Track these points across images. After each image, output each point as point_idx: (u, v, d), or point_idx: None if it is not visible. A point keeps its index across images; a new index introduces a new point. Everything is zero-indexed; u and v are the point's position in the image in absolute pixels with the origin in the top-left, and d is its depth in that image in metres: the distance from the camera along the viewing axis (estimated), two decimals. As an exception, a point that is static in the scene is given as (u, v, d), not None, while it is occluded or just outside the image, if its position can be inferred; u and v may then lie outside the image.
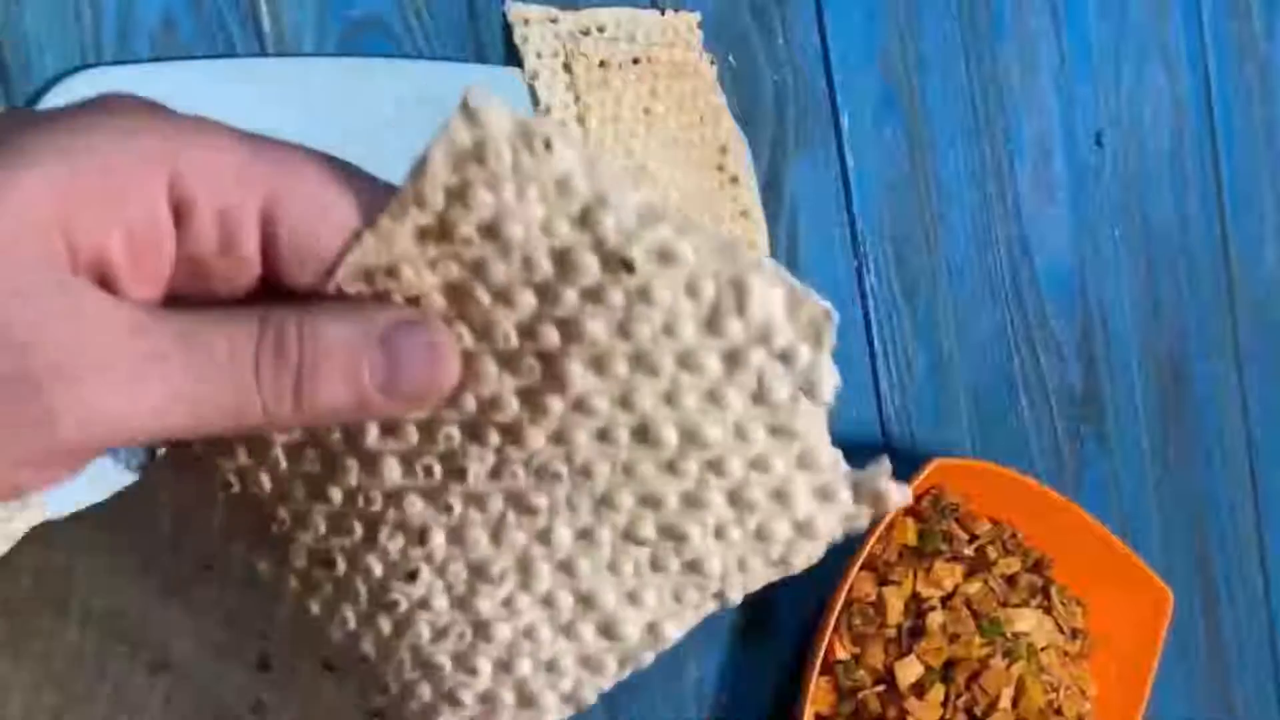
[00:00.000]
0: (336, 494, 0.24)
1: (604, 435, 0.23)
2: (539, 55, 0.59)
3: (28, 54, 0.50)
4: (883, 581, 0.68)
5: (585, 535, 0.24)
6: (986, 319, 0.78)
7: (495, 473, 0.23)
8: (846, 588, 0.65)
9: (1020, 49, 0.79)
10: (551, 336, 0.22)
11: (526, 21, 0.60)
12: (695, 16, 0.65)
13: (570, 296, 0.22)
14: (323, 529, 0.24)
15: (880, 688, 0.67)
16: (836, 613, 0.65)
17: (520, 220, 0.22)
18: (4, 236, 0.20)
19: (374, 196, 0.24)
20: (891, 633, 0.67)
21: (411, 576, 0.24)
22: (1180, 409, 0.87)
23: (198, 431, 0.22)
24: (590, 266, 0.22)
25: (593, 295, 0.22)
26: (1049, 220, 0.81)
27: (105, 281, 0.22)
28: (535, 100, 0.59)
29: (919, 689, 0.66)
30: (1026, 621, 0.70)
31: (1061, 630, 0.72)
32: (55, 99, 0.49)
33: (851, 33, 0.72)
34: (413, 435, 0.23)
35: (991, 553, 0.71)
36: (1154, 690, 0.76)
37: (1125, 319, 0.84)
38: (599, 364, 0.22)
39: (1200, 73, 0.88)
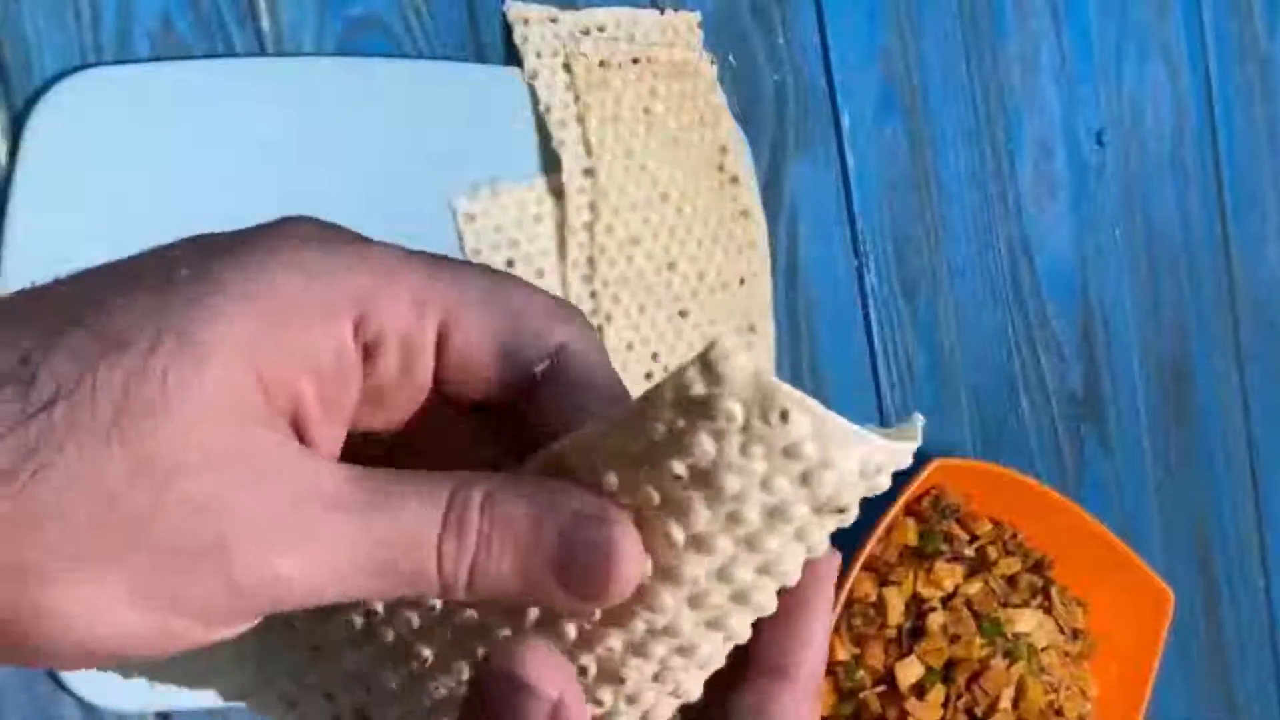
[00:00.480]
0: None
1: None
2: (539, 55, 0.59)
3: (27, 54, 0.50)
4: (883, 582, 0.68)
5: None
6: (987, 319, 0.78)
7: (657, 678, 0.23)
8: (847, 588, 0.65)
9: (1021, 48, 0.79)
10: (746, 578, 0.22)
11: (526, 21, 0.60)
12: (695, 16, 0.65)
13: (772, 543, 0.22)
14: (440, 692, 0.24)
15: (881, 688, 0.67)
16: (837, 613, 0.65)
17: (739, 475, 0.21)
18: (205, 390, 0.20)
19: (537, 308, 0.24)
20: (892, 633, 0.67)
21: None
22: (1181, 409, 0.87)
23: (367, 596, 0.22)
24: (801, 516, 0.22)
25: (797, 535, 0.22)
26: (1049, 220, 0.80)
27: (296, 424, 0.22)
28: (535, 99, 0.59)
29: (919, 690, 0.66)
30: (1027, 622, 0.70)
31: (1062, 631, 0.72)
32: (55, 99, 0.49)
33: (851, 33, 0.72)
34: (570, 633, 0.23)
35: (992, 553, 0.71)
36: (1155, 691, 0.76)
37: (1126, 319, 0.84)
38: None
39: (1201, 71, 0.88)
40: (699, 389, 0.21)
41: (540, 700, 0.22)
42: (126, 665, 0.22)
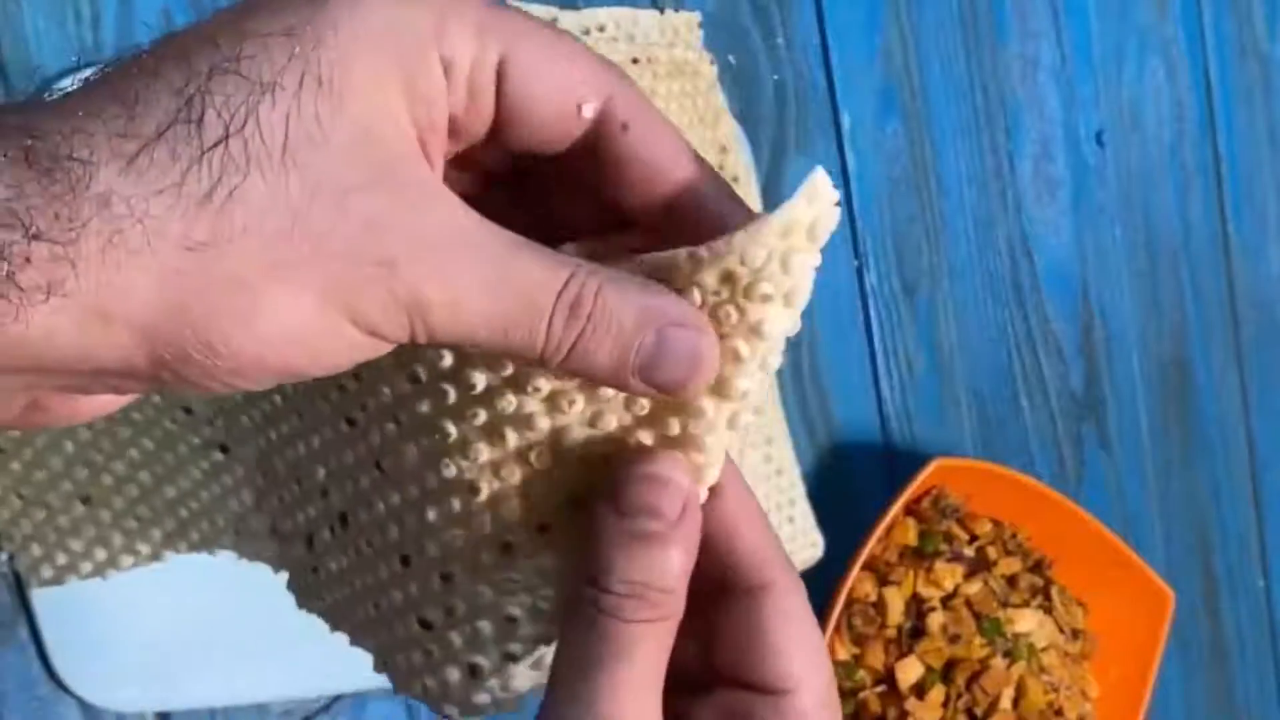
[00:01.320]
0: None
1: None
2: (539, 55, 0.59)
3: (28, 54, 0.50)
4: (883, 582, 0.68)
5: None
6: (987, 319, 0.78)
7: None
8: (847, 588, 0.65)
9: (1021, 49, 0.79)
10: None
11: (526, 21, 0.60)
12: (695, 16, 0.65)
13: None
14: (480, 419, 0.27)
15: (881, 688, 0.67)
16: (837, 613, 0.65)
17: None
18: (355, 125, 0.23)
19: (591, 64, 0.27)
20: (892, 633, 0.67)
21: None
22: (1181, 409, 0.87)
23: (474, 340, 0.25)
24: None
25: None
26: (1049, 220, 0.80)
27: (424, 150, 0.25)
28: (535, 100, 0.59)
29: (919, 690, 0.66)
30: (1027, 622, 0.70)
31: (1062, 631, 0.72)
32: (54, 98, 0.49)
33: (851, 33, 0.72)
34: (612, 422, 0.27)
35: (992, 553, 0.71)
36: (1155, 691, 0.76)
37: (1126, 319, 0.84)
38: None
39: (1201, 71, 0.88)
40: (805, 213, 0.28)
41: (677, 490, 0.27)
42: (298, 374, 0.24)
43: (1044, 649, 0.70)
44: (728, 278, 0.26)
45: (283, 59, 0.23)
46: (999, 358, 0.78)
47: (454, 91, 0.25)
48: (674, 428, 0.27)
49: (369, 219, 0.23)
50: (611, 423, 0.27)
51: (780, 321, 0.27)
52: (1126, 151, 0.84)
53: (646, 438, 0.27)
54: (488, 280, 0.24)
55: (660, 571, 0.26)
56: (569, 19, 0.60)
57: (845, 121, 0.72)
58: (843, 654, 0.67)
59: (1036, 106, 0.80)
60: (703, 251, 0.26)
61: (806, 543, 0.64)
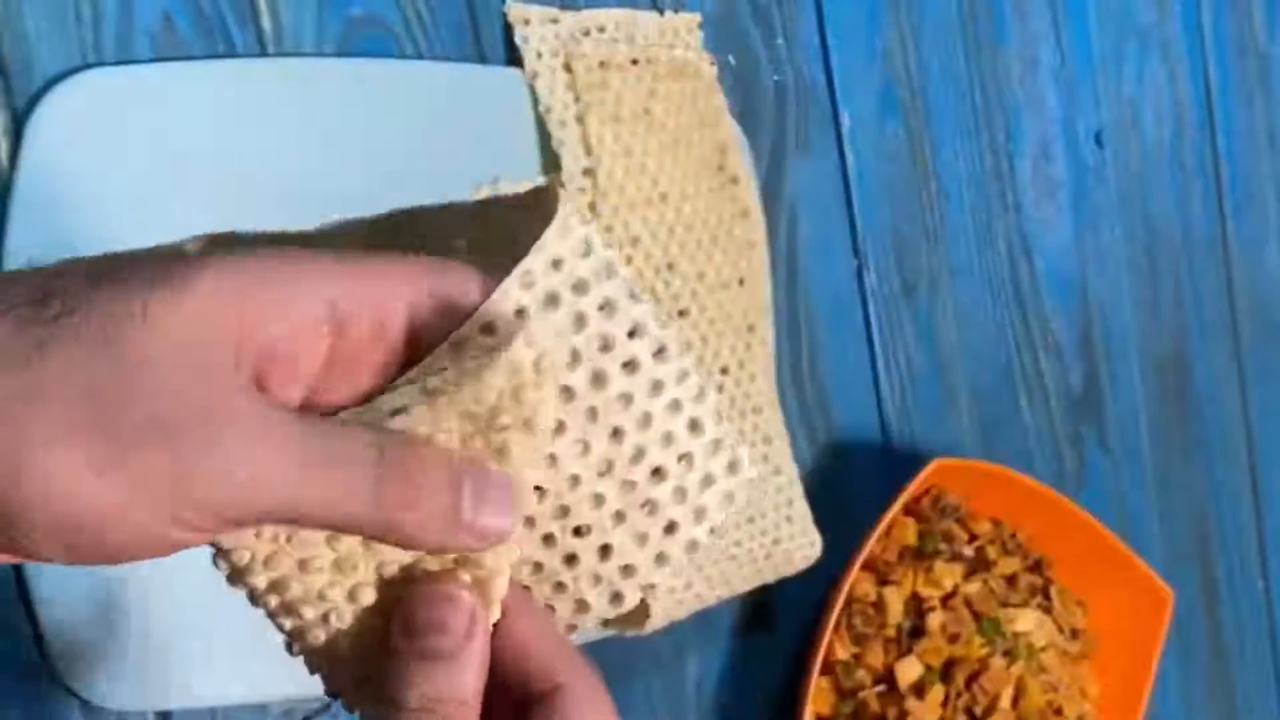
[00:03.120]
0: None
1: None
2: (539, 55, 0.59)
3: (28, 54, 0.50)
4: (883, 582, 0.68)
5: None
6: (986, 319, 0.78)
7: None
8: (846, 588, 0.65)
9: (1020, 49, 0.79)
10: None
11: (527, 22, 0.60)
12: (695, 17, 0.65)
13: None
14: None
15: (880, 688, 0.67)
16: (836, 613, 0.65)
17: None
18: (179, 316, 0.25)
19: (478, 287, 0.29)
20: (891, 633, 0.67)
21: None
22: (1180, 409, 0.87)
23: (298, 517, 0.26)
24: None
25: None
26: (1049, 220, 0.81)
27: (261, 378, 0.26)
28: (536, 100, 0.59)
29: (919, 689, 0.66)
30: (1026, 621, 0.70)
31: (1061, 630, 0.72)
32: (56, 100, 0.49)
33: (851, 33, 0.72)
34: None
35: (991, 553, 0.71)
36: (1154, 690, 0.76)
37: (1125, 319, 0.84)
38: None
39: (1200, 71, 0.88)
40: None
41: (463, 606, 0.28)
42: (90, 558, 0.26)
43: (1043, 648, 0.70)
44: (470, 416, 0.28)
45: (149, 268, 0.26)
46: (998, 358, 0.78)
47: (353, 334, 0.27)
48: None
49: (160, 390, 0.25)
50: (394, 565, 0.29)
51: (524, 445, 0.28)
52: (1126, 152, 0.84)
53: (431, 564, 0.29)
54: (306, 458, 0.26)
55: (451, 685, 0.28)
56: (569, 20, 0.61)
57: (845, 122, 0.72)
58: (842, 654, 0.67)
59: (1036, 107, 0.80)
60: (441, 401, 0.27)
61: (805, 542, 0.64)
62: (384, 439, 0.26)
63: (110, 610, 0.51)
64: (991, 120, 0.78)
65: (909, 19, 0.74)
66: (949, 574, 0.69)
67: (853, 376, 0.72)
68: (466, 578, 0.29)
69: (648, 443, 0.30)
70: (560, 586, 0.31)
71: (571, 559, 0.31)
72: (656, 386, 0.30)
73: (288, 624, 0.30)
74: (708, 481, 0.31)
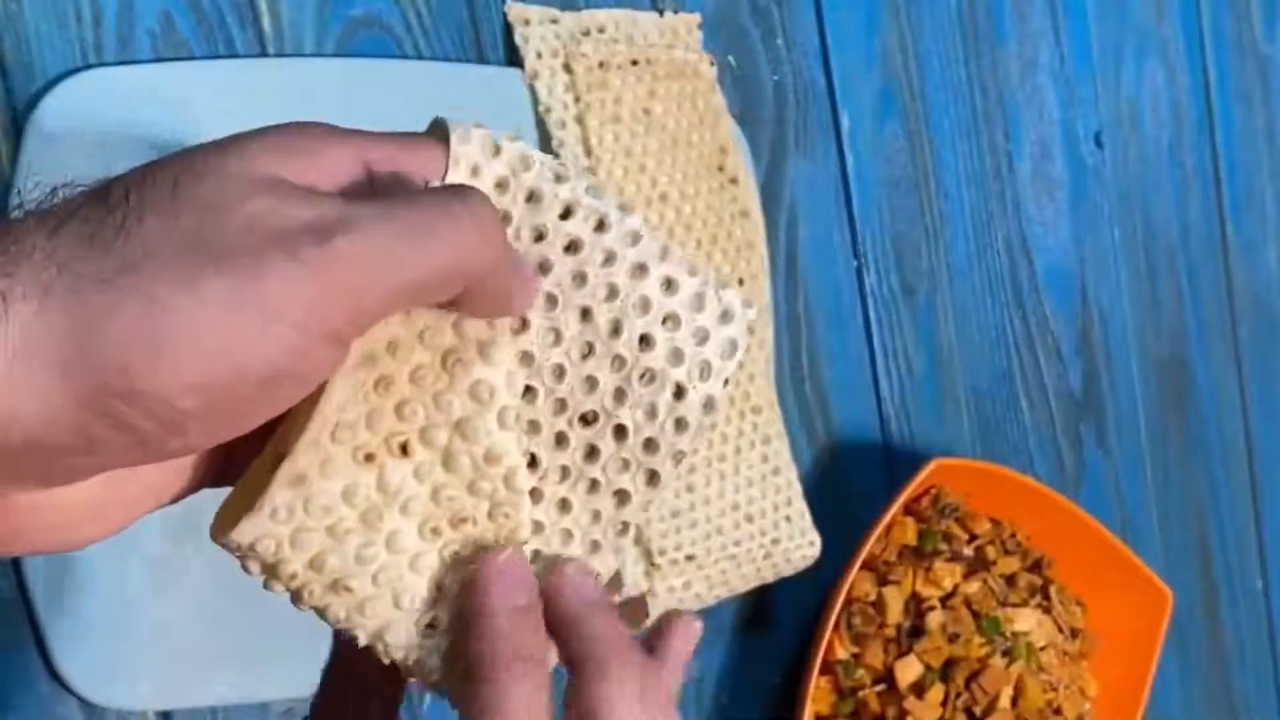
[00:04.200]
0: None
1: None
2: (539, 55, 0.59)
3: (29, 54, 0.50)
4: (882, 581, 0.68)
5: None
6: (986, 319, 0.78)
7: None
8: (846, 587, 0.65)
9: (1020, 49, 0.79)
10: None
11: (527, 22, 0.60)
12: (695, 17, 0.65)
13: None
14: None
15: (880, 687, 0.67)
16: (836, 612, 0.65)
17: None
18: (245, 178, 0.25)
19: None
20: (891, 632, 0.67)
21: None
22: (1179, 408, 0.88)
23: (421, 284, 0.26)
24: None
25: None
26: (1048, 220, 0.81)
27: None
28: (536, 100, 0.59)
29: (918, 689, 0.66)
30: (1026, 621, 0.70)
31: (1061, 630, 0.72)
32: (57, 99, 0.49)
33: (851, 33, 0.72)
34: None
35: (991, 552, 0.71)
36: (1154, 690, 0.76)
37: (1125, 319, 0.84)
38: None
39: (1200, 72, 0.88)
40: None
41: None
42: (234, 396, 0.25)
43: (1043, 648, 0.70)
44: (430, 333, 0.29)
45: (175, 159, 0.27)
46: (998, 358, 0.78)
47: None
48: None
49: (264, 216, 0.25)
50: (419, 501, 0.29)
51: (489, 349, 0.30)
52: (1125, 152, 0.85)
53: (467, 508, 0.30)
54: (407, 220, 0.26)
55: (534, 642, 0.30)
56: (569, 20, 0.61)
57: (845, 122, 0.72)
58: (842, 653, 0.67)
59: (1035, 107, 0.80)
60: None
61: (804, 542, 0.64)
62: (460, 193, 0.27)
63: (111, 610, 0.51)
64: (991, 121, 0.78)
65: (909, 19, 0.74)
66: (949, 574, 0.69)
67: (853, 376, 0.72)
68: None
69: (622, 314, 0.30)
70: (594, 485, 0.31)
71: (592, 451, 0.30)
72: (609, 257, 0.30)
73: (342, 610, 0.29)
74: (702, 336, 0.30)
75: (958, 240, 0.76)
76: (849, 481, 0.71)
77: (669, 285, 0.30)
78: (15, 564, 0.49)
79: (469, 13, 0.59)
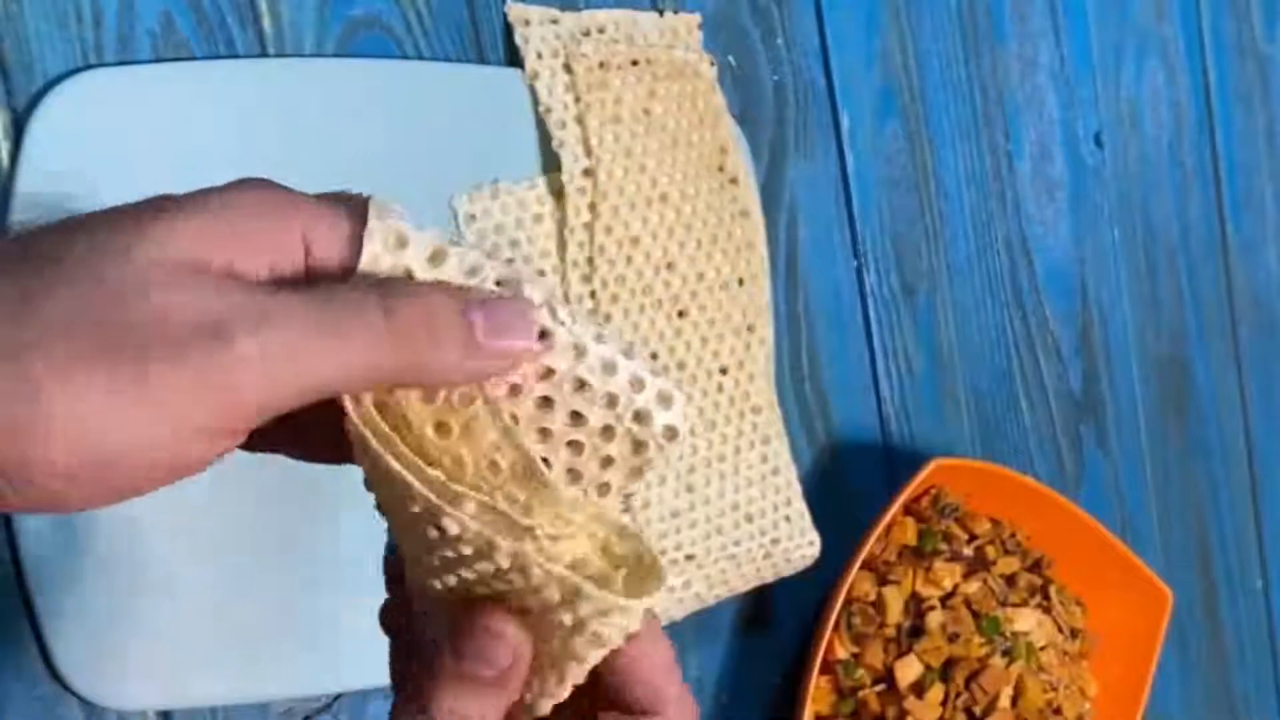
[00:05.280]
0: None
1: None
2: (539, 56, 0.59)
3: (29, 54, 0.50)
4: (882, 581, 0.68)
5: None
6: (986, 319, 0.78)
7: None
8: (846, 587, 0.65)
9: (1020, 50, 0.79)
10: None
11: (527, 22, 0.60)
12: (695, 17, 0.65)
13: None
14: None
15: (880, 687, 0.67)
16: (836, 612, 0.65)
17: None
18: (168, 262, 0.26)
19: None
20: (891, 632, 0.67)
21: None
22: (1179, 408, 0.88)
23: (323, 385, 0.26)
24: None
25: None
26: (1049, 220, 0.81)
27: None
28: (536, 100, 0.59)
29: (918, 688, 0.66)
30: (1026, 621, 0.70)
31: (1061, 630, 0.72)
32: (57, 100, 0.49)
33: (851, 33, 0.72)
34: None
35: (991, 552, 0.71)
36: (1154, 690, 0.76)
37: (1125, 319, 0.85)
38: None
39: (1199, 72, 0.88)
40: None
41: (507, 645, 0.29)
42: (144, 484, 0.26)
43: (1043, 648, 0.71)
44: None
45: (122, 216, 0.27)
46: (998, 358, 0.78)
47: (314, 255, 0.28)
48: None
49: (171, 309, 0.25)
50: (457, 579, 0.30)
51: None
52: (1125, 152, 0.85)
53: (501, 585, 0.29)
54: (316, 321, 0.26)
55: (480, 709, 0.30)
56: (569, 20, 0.61)
57: (845, 122, 0.72)
58: (842, 653, 0.67)
59: (1035, 107, 0.80)
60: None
61: (803, 542, 0.64)
62: (383, 289, 0.27)
63: (111, 610, 0.51)
64: (991, 121, 0.78)
65: (909, 19, 0.74)
66: (948, 573, 0.69)
67: (853, 376, 0.72)
68: (567, 619, 0.29)
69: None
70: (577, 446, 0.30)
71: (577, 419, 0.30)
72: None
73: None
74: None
75: (958, 240, 0.76)
76: (849, 481, 0.71)
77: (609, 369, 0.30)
78: (16, 565, 0.49)
79: (469, 13, 0.59)
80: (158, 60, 0.52)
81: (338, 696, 0.55)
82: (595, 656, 0.30)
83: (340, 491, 0.30)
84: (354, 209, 0.28)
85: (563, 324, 0.29)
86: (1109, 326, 0.83)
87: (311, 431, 0.29)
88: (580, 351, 0.29)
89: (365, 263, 0.28)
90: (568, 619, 0.29)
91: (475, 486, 0.28)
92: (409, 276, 0.28)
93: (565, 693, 0.31)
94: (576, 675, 0.30)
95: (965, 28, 0.77)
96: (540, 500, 0.29)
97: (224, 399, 0.25)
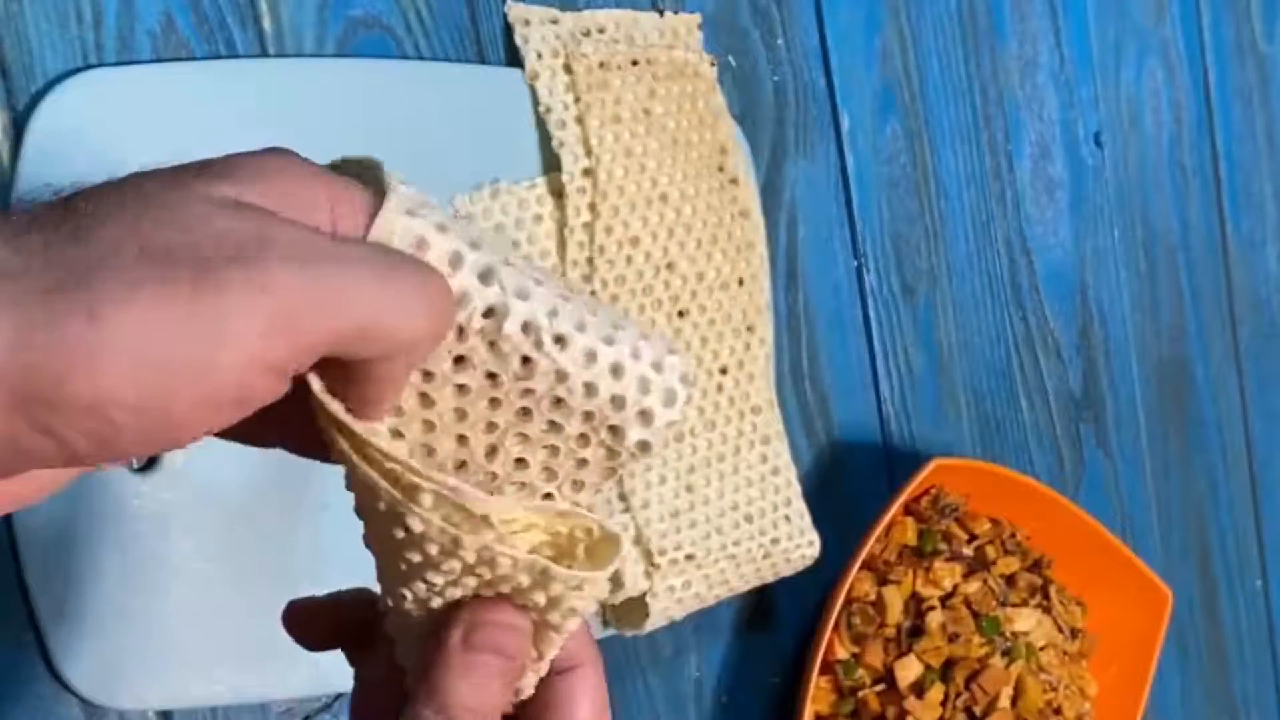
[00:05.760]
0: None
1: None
2: (539, 56, 0.59)
3: (29, 54, 0.50)
4: (882, 581, 0.68)
5: None
6: (986, 319, 0.78)
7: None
8: (846, 587, 0.65)
9: (1019, 50, 0.79)
10: None
11: (527, 22, 0.60)
12: (695, 17, 0.65)
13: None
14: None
15: (880, 687, 0.67)
16: (836, 612, 0.65)
17: None
18: (214, 199, 0.26)
19: None
20: (891, 632, 0.67)
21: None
22: (1179, 408, 0.88)
23: (374, 327, 0.26)
24: None
25: None
26: (1049, 220, 0.81)
27: None
28: (536, 100, 0.59)
29: (918, 688, 0.66)
30: (1026, 621, 0.70)
31: (1061, 630, 0.72)
32: (57, 100, 0.49)
33: (851, 33, 0.72)
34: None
35: (991, 552, 0.71)
36: (1153, 690, 0.76)
37: (1125, 319, 0.85)
38: None
39: (1199, 72, 0.89)
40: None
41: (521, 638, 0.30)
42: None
43: (1042, 648, 0.71)
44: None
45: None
46: (998, 358, 0.78)
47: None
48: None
49: (231, 232, 0.24)
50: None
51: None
52: (1125, 152, 0.85)
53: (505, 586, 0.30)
54: (371, 263, 0.26)
55: (487, 699, 0.30)
56: (569, 20, 0.61)
57: (845, 122, 0.72)
58: (842, 653, 0.67)
59: (1035, 107, 0.80)
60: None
61: (803, 542, 0.64)
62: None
63: (111, 610, 0.51)
64: (991, 121, 0.78)
65: (908, 20, 0.74)
66: (948, 573, 0.69)
67: (852, 376, 0.72)
68: (541, 600, 0.30)
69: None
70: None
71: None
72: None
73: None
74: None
75: (958, 240, 0.76)
76: (849, 481, 0.71)
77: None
78: (16, 566, 0.49)
79: (469, 13, 0.59)
80: (158, 60, 0.52)
81: (338, 696, 0.55)
82: (573, 625, 0.31)
83: (342, 490, 0.30)
84: (365, 181, 0.29)
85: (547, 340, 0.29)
86: (1109, 326, 0.84)
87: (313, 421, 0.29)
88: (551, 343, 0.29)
89: (378, 233, 0.28)
90: (541, 599, 0.30)
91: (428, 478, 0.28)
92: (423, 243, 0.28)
93: (545, 668, 0.32)
94: (555, 646, 0.32)
95: (965, 28, 0.77)
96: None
97: (286, 322, 0.24)
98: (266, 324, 0.24)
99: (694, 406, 0.62)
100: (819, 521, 0.65)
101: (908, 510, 0.70)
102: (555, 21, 0.60)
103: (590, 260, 0.59)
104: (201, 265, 0.24)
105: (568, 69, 0.59)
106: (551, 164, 0.59)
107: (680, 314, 0.61)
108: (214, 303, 0.23)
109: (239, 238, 0.24)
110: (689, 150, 0.62)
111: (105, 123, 0.50)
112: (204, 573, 0.52)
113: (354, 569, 0.35)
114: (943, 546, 0.70)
